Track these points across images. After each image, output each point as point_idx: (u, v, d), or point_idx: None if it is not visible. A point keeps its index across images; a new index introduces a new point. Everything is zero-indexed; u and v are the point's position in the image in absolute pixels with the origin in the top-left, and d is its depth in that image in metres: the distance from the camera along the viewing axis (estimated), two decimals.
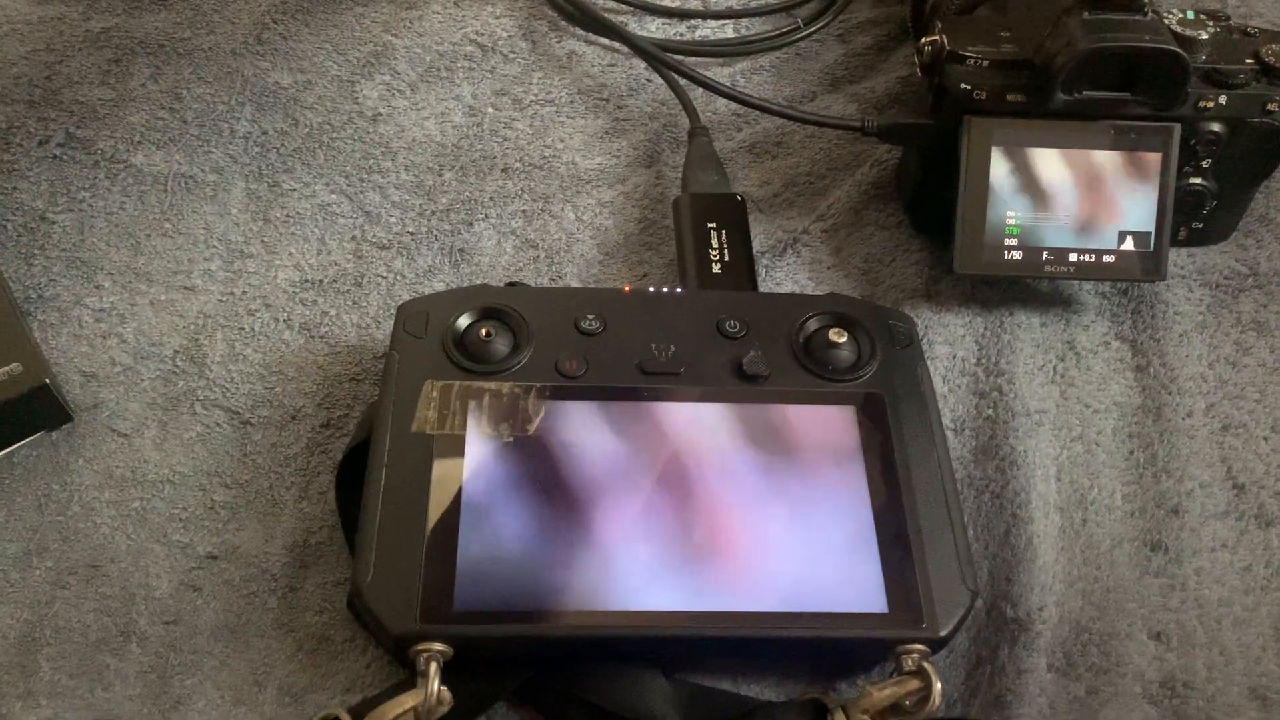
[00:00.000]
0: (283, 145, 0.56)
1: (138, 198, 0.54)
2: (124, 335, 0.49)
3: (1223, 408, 0.47)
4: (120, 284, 0.50)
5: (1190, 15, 0.48)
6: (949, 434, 0.46)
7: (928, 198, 0.51)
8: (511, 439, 0.41)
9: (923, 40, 0.49)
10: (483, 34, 0.62)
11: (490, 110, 0.59)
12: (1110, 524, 0.44)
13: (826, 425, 0.42)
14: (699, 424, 0.42)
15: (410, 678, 0.37)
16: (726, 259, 0.49)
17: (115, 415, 0.46)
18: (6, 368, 0.44)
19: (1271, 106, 0.47)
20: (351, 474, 0.42)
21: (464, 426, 0.41)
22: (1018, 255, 0.48)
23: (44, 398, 0.44)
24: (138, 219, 0.53)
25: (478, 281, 0.51)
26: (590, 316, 0.44)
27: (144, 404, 0.46)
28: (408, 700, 0.35)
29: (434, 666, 0.36)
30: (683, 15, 0.64)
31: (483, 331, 0.43)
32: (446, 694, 0.36)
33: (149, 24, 0.60)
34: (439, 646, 0.36)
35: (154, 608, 0.41)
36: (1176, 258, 0.52)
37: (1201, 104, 0.47)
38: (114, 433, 0.45)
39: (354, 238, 0.53)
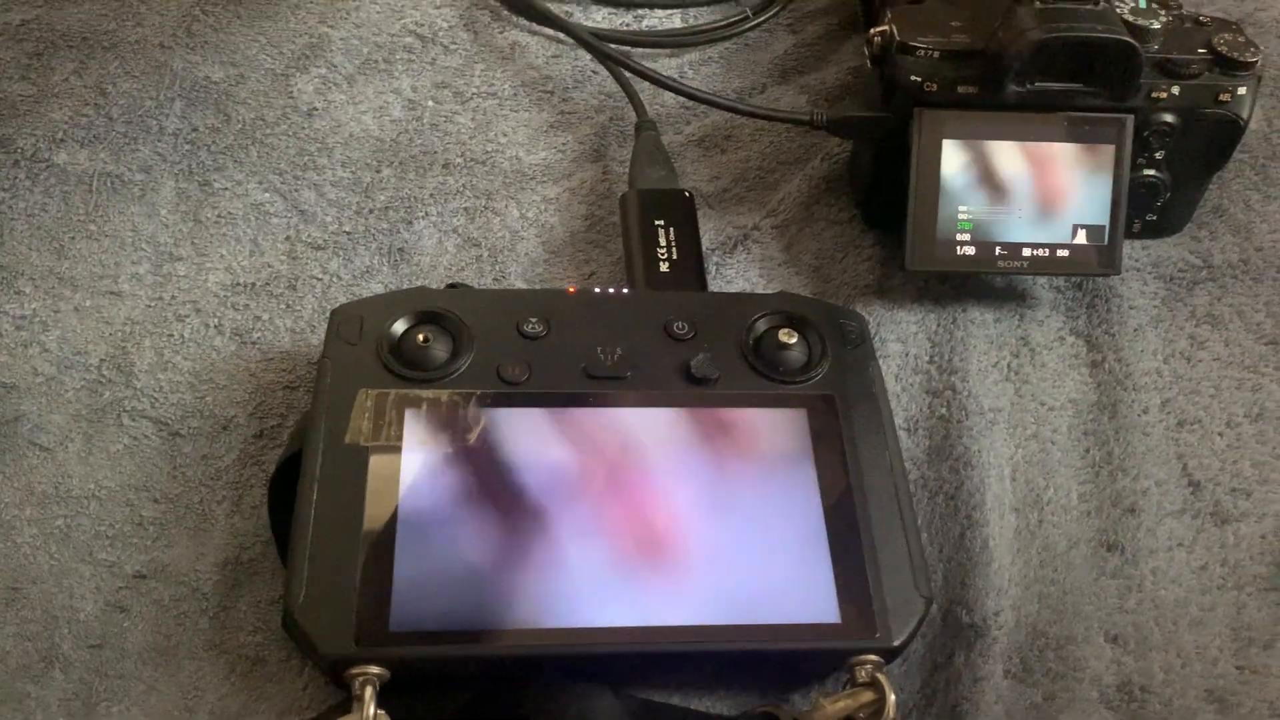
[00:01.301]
0: (214, 142, 0.54)
1: (61, 198, 0.51)
2: (46, 344, 0.46)
3: (1178, 403, 0.47)
4: (42, 289, 0.48)
5: (1142, 4, 0.47)
6: (901, 434, 0.45)
7: (879, 192, 0.50)
8: (451, 450, 0.39)
9: (872, 31, 0.48)
10: (422, 24, 0.60)
11: (430, 104, 0.57)
12: (1066, 524, 0.43)
13: (777, 429, 0.41)
14: (647, 430, 0.40)
15: (347, 700, 0.36)
16: (675, 257, 0.48)
17: (37, 428, 0.44)
18: None
19: (1224, 97, 0.47)
20: (285, 487, 0.40)
21: (400, 437, 0.39)
22: (970, 250, 0.47)
23: None
24: (61, 221, 0.51)
25: (418, 283, 0.50)
26: (533, 319, 0.43)
27: (68, 416, 0.44)
28: None
29: (369, 690, 0.35)
30: (629, 4, 0.62)
31: (420, 337, 0.42)
32: (384, 718, 0.35)
33: (72, 15, 0.58)
34: (375, 669, 0.35)
35: (78, 631, 0.39)
36: (1130, 250, 0.51)
37: (1154, 94, 0.46)
38: (36, 446, 0.43)
39: (288, 238, 0.51)
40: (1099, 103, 0.46)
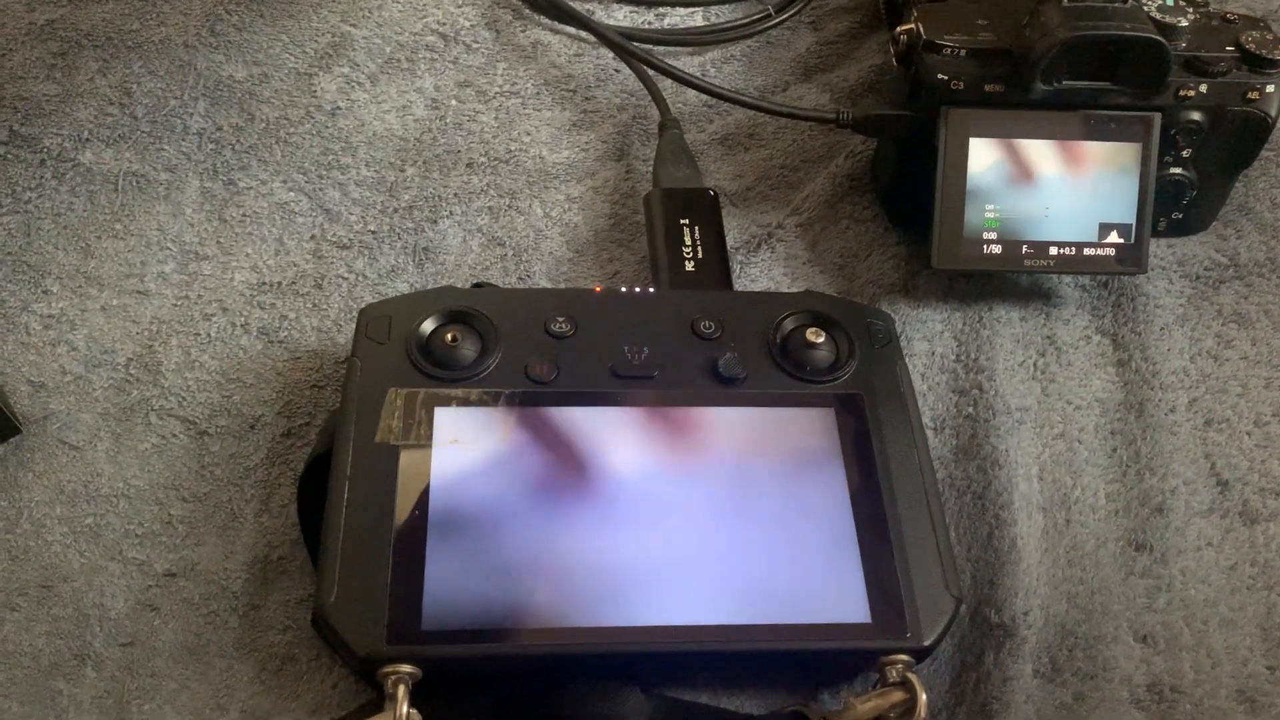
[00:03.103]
0: (238, 141, 0.54)
1: (87, 198, 0.51)
2: (74, 343, 0.47)
3: (1205, 402, 0.47)
4: (69, 288, 0.48)
5: (1170, 1, 0.47)
6: (929, 433, 0.45)
7: (904, 190, 0.50)
8: (480, 449, 0.39)
9: (898, 29, 0.48)
10: (445, 23, 0.60)
11: (454, 103, 0.57)
12: (1094, 524, 0.43)
13: (805, 428, 0.41)
14: (674, 429, 0.40)
15: (378, 698, 0.36)
16: (700, 256, 0.48)
17: (66, 427, 0.44)
18: None
19: (1252, 95, 0.46)
20: (314, 486, 0.40)
21: (430, 437, 0.39)
22: (997, 249, 0.47)
23: None
24: (87, 220, 0.51)
25: (443, 281, 0.50)
26: (560, 318, 0.43)
27: (96, 415, 0.45)
28: None
29: (402, 689, 0.35)
30: (651, 3, 0.62)
31: (448, 336, 0.42)
32: (416, 717, 0.35)
33: (96, 15, 0.58)
34: (407, 668, 0.35)
35: (109, 629, 0.39)
36: (1156, 249, 0.51)
37: (1182, 93, 0.46)
38: (65, 445, 0.44)
39: (313, 237, 0.51)
40: (1126, 101, 0.46)
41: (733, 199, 0.53)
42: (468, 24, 0.61)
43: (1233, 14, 0.48)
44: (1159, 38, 0.44)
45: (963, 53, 0.46)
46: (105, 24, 0.58)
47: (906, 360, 0.45)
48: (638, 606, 0.36)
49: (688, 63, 0.60)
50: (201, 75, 0.56)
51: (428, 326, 0.42)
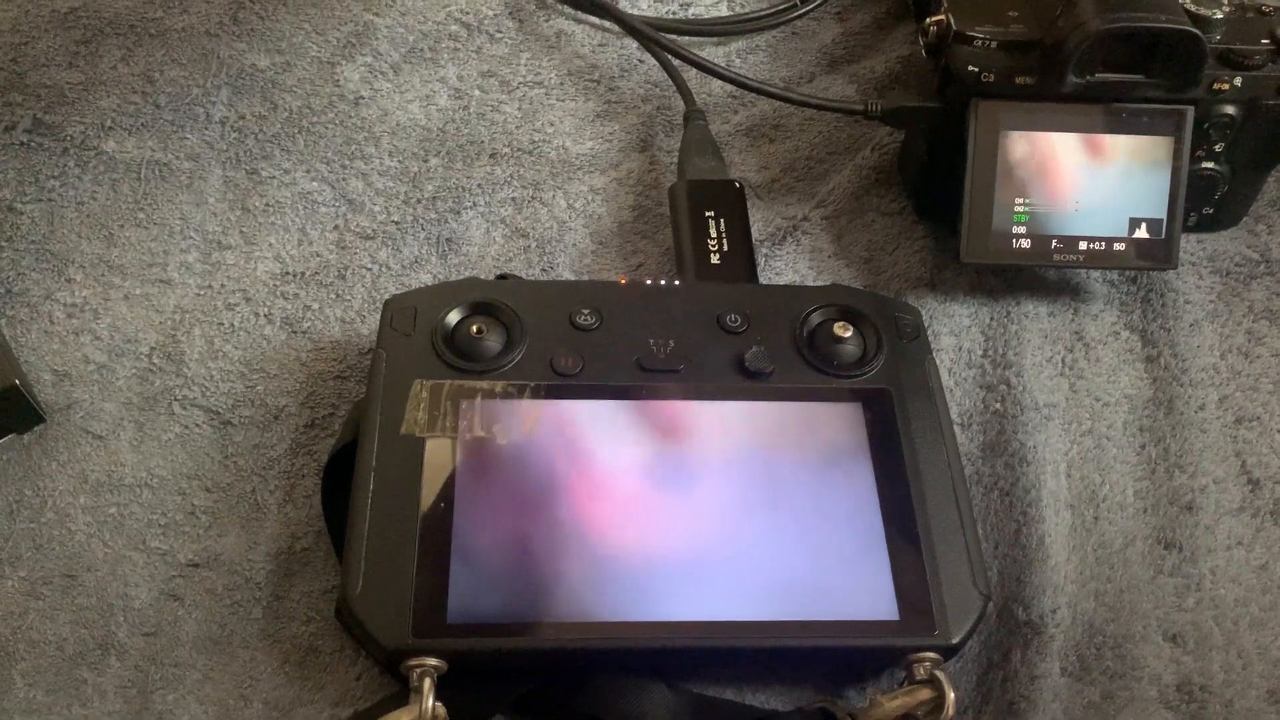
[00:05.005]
0: (261, 130, 0.54)
1: (110, 186, 0.51)
2: (97, 332, 0.47)
3: (1236, 400, 0.46)
4: (93, 277, 0.48)
5: None
6: (955, 429, 0.44)
7: (932, 183, 0.50)
8: (506, 441, 0.39)
9: (928, 20, 0.47)
10: (468, 12, 0.60)
11: (477, 93, 0.57)
12: (1123, 521, 0.43)
13: (832, 423, 0.41)
14: (700, 423, 0.40)
15: (402, 691, 0.36)
16: (725, 249, 0.47)
17: (89, 416, 0.44)
18: None
19: None
20: (338, 476, 0.40)
21: (455, 429, 0.39)
22: (1026, 243, 0.46)
23: (13, 399, 0.42)
24: (110, 209, 0.51)
25: (466, 273, 0.49)
26: (586, 311, 0.43)
27: (119, 404, 0.44)
28: (401, 717, 0.34)
29: (428, 682, 0.35)
30: None
31: (474, 328, 0.41)
32: (441, 710, 0.35)
33: (119, 3, 0.58)
34: (432, 661, 0.35)
35: (133, 619, 0.39)
36: (1186, 244, 0.51)
37: (1216, 86, 0.46)
38: (88, 434, 0.44)
39: (337, 227, 0.51)
40: (1159, 94, 0.45)
41: (758, 191, 0.53)
42: (491, 13, 0.60)
43: (1268, 6, 0.47)
44: (1195, 30, 0.43)
45: (993, 44, 0.46)
46: (128, 12, 0.58)
47: (934, 355, 0.44)
48: (664, 601, 0.36)
49: (712, 53, 0.59)
50: (224, 64, 0.56)
51: (453, 318, 0.42)
